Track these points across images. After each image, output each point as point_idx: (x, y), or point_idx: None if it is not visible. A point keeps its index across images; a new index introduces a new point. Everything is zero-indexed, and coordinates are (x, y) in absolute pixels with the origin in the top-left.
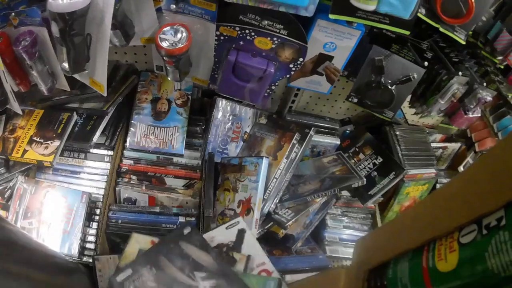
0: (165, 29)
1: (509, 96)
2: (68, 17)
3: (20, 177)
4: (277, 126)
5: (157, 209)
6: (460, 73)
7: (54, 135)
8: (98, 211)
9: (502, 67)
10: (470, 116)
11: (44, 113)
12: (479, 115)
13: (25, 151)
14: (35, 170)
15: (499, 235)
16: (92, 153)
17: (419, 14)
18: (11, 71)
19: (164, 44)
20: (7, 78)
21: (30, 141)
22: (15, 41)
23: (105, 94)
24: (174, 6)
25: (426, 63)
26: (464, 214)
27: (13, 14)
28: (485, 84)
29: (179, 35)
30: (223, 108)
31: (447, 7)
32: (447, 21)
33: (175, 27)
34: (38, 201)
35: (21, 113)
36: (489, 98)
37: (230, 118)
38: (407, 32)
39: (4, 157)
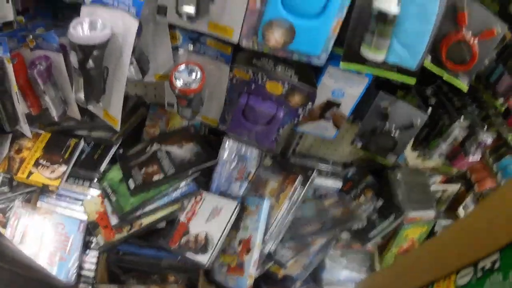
0: (180, 67)
1: (509, 138)
2: (88, 49)
3: (17, 201)
4: (281, 168)
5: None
6: (462, 118)
7: (61, 160)
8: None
9: (502, 110)
10: (470, 159)
11: (51, 136)
12: (479, 158)
13: (30, 173)
14: (38, 192)
15: (493, 276)
16: (96, 183)
17: (425, 63)
18: (23, 92)
19: (178, 83)
20: (19, 100)
21: (36, 164)
22: (31, 64)
23: (118, 129)
24: (191, 46)
25: (429, 109)
26: (462, 259)
27: (31, 36)
28: (486, 127)
29: (193, 75)
30: (229, 148)
31: (452, 54)
32: (452, 68)
33: (190, 66)
34: (35, 227)
35: (30, 135)
36: (489, 141)
37: (236, 158)
38: (413, 81)
39: (8, 176)
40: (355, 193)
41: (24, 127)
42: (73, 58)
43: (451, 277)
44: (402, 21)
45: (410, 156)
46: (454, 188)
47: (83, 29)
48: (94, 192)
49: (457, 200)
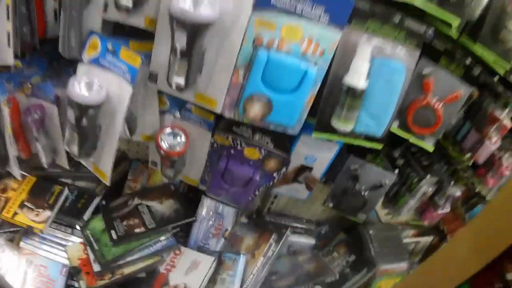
0: (165, 130)
1: (479, 187)
2: (84, 108)
3: (0, 239)
4: (256, 226)
5: None
6: (428, 175)
7: (46, 205)
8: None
9: (470, 164)
10: (440, 212)
11: (36, 181)
12: (449, 210)
13: (15, 213)
14: (21, 233)
15: None
16: (78, 230)
17: (391, 128)
18: (15, 136)
19: (164, 145)
20: (11, 142)
21: (21, 205)
22: (26, 111)
23: (108, 183)
24: (178, 112)
25: (396, 171)
26: None
27: (28, 84)
28: (452, 182)
29: (178, 139)
30: (207, 206)
31: (418, 118)
32: (418, 132)
33: (175, 130)
34: (19, 266)
35: (20, 178)
36: (458, 194)
37: (213, 216)
38: (379, 147)
39: None
40: (328, 249)
41: (15, 169)
42: (70, 113)
43: None
44: (369, 94)
45: (381, 212)
46: (427, 240)
47: (80, 88)
48: (76, 239)
49: (431, 250)
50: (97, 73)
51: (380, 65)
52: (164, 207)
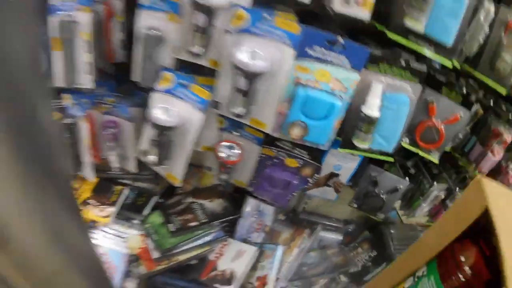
0: (223, 143)
1: None
2: (163, 128)
3: None
4: (292, 222)
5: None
6: (435, 183)
7: (108, 202)
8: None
9: (476, 173)
10: None
11: (98, 182)
12: None
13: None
14: None
15: (422, 281)
16: (135, 224)
17: (402, 143)
18: (90, 146)
19: (222, 155)
20: (87, 151)
21: (85, 203)
22: (102, 125)
23: (180, 185)
24: (234, 131)
25: (407, 178)
26: (407, 272)
27: (104, 103)
28: (457, 189)
29: (233, 151)
30: (251, 205)
31: (425, 136)
32: (425, 147)
33: (231, 144)
34: None
35: (93, 180)
36: None
37: (256, 213)
38: (391, 160)
39: None
40: (354, 245)
41: (88, 172)
42: (149, 131)
43: (403, 284)
44: (381, 120)
45: (401, 213)
46: None
47: (159, 113)
48: (135, 232)
49: None
50: (171, 101)
51: (389, 98)
52: (214, 204)
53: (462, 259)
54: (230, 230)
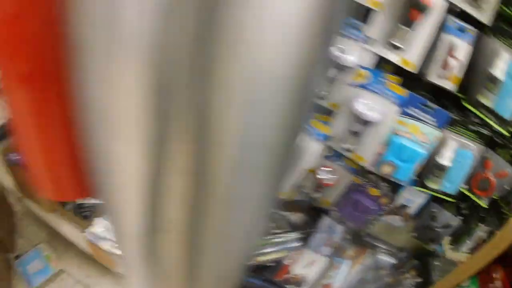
0: (323, 168)
1: None
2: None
3: None
4: (357, 242)
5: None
6: (481, 224)
7: None
8: None
9: None
10: None
11: None
12: None
13: None
14: None
15: None
16: None
17: (461, 188)
18: None
19: (320, 177)
20: None
21: None
22: None
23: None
24: (335, 160)
25: (458, 218)
26: (453, 284)
27: None
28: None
29: (330, 175)
30: (325, 223)
31: (479, 185)
32: (478, 194)
33: (329, 169)
34: None
35: None
36: None
37: (328, 230)
38: (453, 200)
39: None
40: (403, 270)
41: None
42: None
43: None
44: (450, 169)
45: (446, 248)
46: None
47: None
48: None
49: None
50: None
51: (458, 153)
52: (295, 217)
53: (494, 275)
54: (304, 241)
